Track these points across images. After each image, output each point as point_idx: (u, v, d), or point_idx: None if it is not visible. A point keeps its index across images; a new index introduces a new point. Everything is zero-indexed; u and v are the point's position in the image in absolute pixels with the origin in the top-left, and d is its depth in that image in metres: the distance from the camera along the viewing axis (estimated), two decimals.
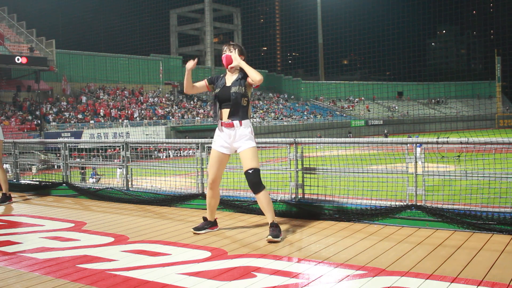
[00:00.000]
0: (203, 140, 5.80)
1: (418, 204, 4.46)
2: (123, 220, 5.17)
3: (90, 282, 3.17)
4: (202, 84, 4.53)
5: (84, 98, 41.76)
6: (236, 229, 4.57)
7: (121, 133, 36.19)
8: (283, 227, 4.43)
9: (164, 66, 52.33)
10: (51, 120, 36.32)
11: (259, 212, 5.01)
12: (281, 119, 52.33)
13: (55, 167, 8.66)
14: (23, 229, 4.95)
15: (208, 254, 3.76)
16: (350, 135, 47.56)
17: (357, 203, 4.78)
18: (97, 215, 5.52)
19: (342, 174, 4.95)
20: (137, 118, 41.16)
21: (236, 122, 4.26)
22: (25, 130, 32.81)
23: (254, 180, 4.21)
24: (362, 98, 65.51)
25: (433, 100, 69.45)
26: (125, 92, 46.20)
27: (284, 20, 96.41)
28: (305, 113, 57.21)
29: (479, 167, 4.33)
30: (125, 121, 39.37)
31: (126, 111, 41.63)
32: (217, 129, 4.41)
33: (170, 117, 43.51)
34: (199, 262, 3.56)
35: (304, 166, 5.12)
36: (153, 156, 10.97)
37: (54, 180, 7.29)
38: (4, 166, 6.90)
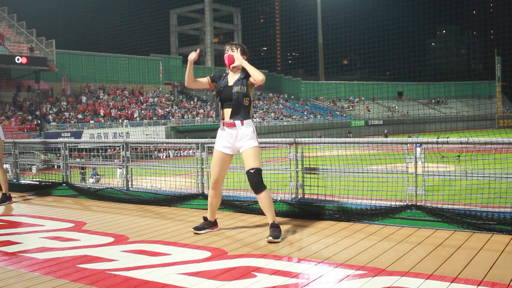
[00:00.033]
0: (203, 140, 5.80)
1: (418, 204, 4.46)
2: (123, 220, 5.17)
3: (90, 282, 3.17)
4: (205, 80, 4.50)
5: (84, 98, 41.76)
6: (236, 229, 4.57)
7: (121, 133, 36.19)
8: (283, 227, 4.43)
9: (164, 66, 52.33)
10: (51, 120, 36.32)
11: (259, 212, 5.01)
12: (281, 119, 52.33)
13: (55, 167, 8.66)
14: (23, 229, 4.95)
15: (208, 254, 3.76)
16: (350, 135, 47.56)
17: (357, 203, 4.78)
18: (97, 215, 5.52)
19: (342, 174, 4.95)
20: (137, 118, 41.15)
21: (237, 122, 4.26)
22: (25, 130, 32.81)
23: (256, 180, 4.20)
24: (362, 98, 65.51)
25: (433, 100, 69.45)
26: (125, 92, 46.20)
27: (284, 20, 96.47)
28: (305, 113, 57.22)
29: (479, 167, 4.33)
30: (125, 121, 39.37)
31: (126, 111, 41.62)
32: (219, 129, 4.41)
33: (170, 117, 43.51)
34: (199, 262, 3.56)
35: (306, 166, 5.12)
36: (153, 156, 10.97)
37: (54, 180, 7.29)
38: (4, 166, 6.90)
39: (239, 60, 4.33)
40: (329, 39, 65.96)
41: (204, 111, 48.08)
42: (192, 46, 65.21)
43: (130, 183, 6.45)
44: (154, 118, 42.24)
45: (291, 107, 57.95)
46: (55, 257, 3.76)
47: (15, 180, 7.68)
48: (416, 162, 4.52)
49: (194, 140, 5.94)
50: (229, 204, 5.33)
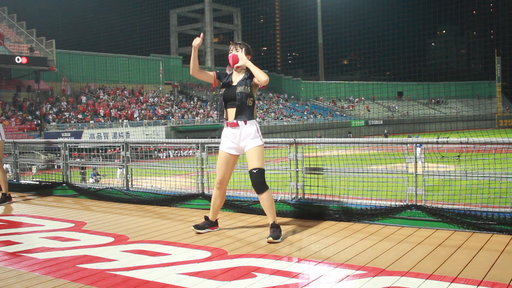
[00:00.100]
0: (203, 140, 5.80)
1: (418, 204, 4.46)
2: (123, 220, 5.17)
3: (90, 282, 3.17)
4: (210, 75, 4.45)
5: (84, 98, 41.76)
6: (236, 229, 4.57)
7: (121, 133, 36.18)
8: (283, 227, 4.42)
9: (164, 66, 52.31)
10: (51, 120, 36.32)
11: (259, 212, 5.02)
12: (281, 119, 52.33)
13: (55, 167, 8.66)
14: (23, 229, 4.95)
15: (208, 254, 3.76)
16: (350, 135, 47.55)
17: (357, 203, 4.78)
18: (97, 215, 5.52)
19: (342, 174, 4.95)
20: (137, 118, 41.14)
21: (241, 122, 4.24)
22: (25, 130, 32.81)
23: (258, 180, 4.19)
24: (362, 98, 65.50)
25: (433, 100, 69.45)
26: (125, 92, 46.20)
27: (284, 20, 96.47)
28: (305, 113, 57.21)
29: (479, 167, 4.34)
30: (125, 121, 39.37)
31: (126, 111, 41.62)
32: (223, 130, 4.40)
33: (170, 117, 43.50)
34: (199, 262, 3.56)
35: (309, 166, 5.12)
36: (153, 156, 10.97)
37: (54, 180, 7.29)
38: (4, 166, 6.90)
39: (243, 60, 4.32)
40: (329, 39, 66.01)
41: (204, 111, 48.08)
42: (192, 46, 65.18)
43: (130, 183, 6.46)
44: (154, 118, 42.24)
45: (291, 107, 57.95)
46: (55, 257, 3.76)
47: (15, 180, 7.68)
48: (416, 162, 4.52)
49: (194, 140, 5.94)
50: (229, 204, 5.33)
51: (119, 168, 6.96)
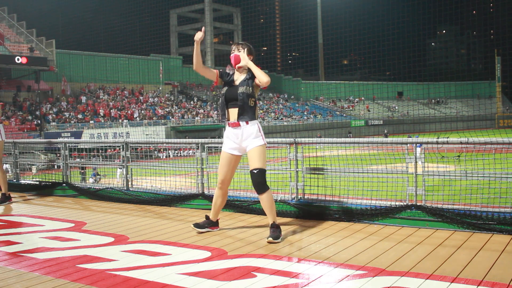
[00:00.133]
0: (203, 140, 5.80)
1: (418, 204, 4.46)
2: (123, 220, 5.17)
3: (90, 282, 3.17)
4: (213, 72, 4.42)
5: (84, 98, 41.76)
6: (236, 229, 4.57)
7: (121, 133, 36.18)
8: (283, 227, 4.42)
9: (164, 66, 52.32)
10: (51, 120, 36.32)
11: (259, 212, 5.02)
12: (281, 119, 52.32)
13: (55, 167, 8.67)
14: (23, 229, 4.95)
15: (208, 254, 3.76)
16: (350, 135, 47.55)
17: (357, 203, 4.78)
18: (97, 215, 5.52)
19: (342, 174, 4.95)
20: (137, 118, 41.14)
21: (242, 122, 4.24)
22: (25, 130, 32.80)
23: (258, 180, 4.19)
24: (362, 98, 65.49)
25: (433, 100, 69.44)
26: (125, 92, 46.20)
27: (284, 20, 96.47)
28: (305, 113, 57.21)
29: (479, 167, 4.33)
30: (125, 121, 39.37)
31: (126, 111, 41.63)
32: (225, 131, 4.39)
33: (170, 117, 43.50)
34: (199, 262, 3.56)
35: (310, 166, 5.12)
36: (153, 156, 10.97)
37: (54, 180, 7.29)
38: (4, 166, 6.90)
39: (245, 60, 4.31)
40: (329, 39, 65.99)
41: (204, 111, 48.07)
42: (192, 46, 65.07)
43: (130, 183, 6.46)
44: (154, 118, 42.23)
45: (291, 107, 57.94)
46: (55, 257, 3.76)
47: (15, 180, 7.68)
48: (416, 162, 4.52)
49: (194, 140, 5.94)
50: (229, 204, 5.33)
51: (119, 168, 6.96)
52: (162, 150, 24.84)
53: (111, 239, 4.33)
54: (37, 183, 7.42)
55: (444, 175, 4.43)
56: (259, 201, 4.58)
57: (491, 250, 3.62)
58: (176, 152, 25.73)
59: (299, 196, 5.11)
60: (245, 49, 4.36)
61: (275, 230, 4.13)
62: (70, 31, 68.36)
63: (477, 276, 3.06)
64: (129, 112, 41.69)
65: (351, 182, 4.93)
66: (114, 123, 38.77)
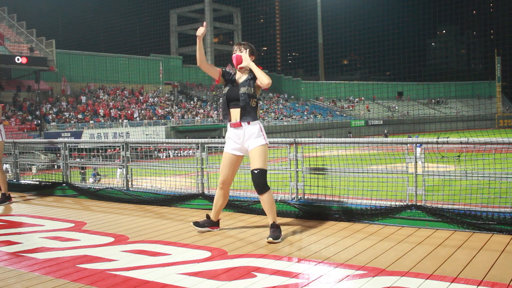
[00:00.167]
0: (203, 140, 5.80)
1: (418, 204, 4.46)
2: (123, 220, 5.17)
3: (90, 282, 3.17)
4: (217, 70, 4.40)
5: (84, 98, 41.76)
6: (236, 229, 4.57)
7: (121, 133, 36.18)
8: (283, 227, 4.42)
9: (164, 66, 52.33)
10: (51, 120, 36.33)
11: (259, 212, 5.02)
12: (281, 119, 52.32)
13: (55, 167, 8.67)
14: (23, 229, 4.95)
15: (208, 254, 3.76)
16: (350, 135, 47.55)
17: (357, 203, 4.78)
18: (97, 215, 5.52)
19: (342, 174, 4.95)
20: (137, 118, 41.14)
21: (244, 123, 4.23)
22: (25, 130, 32.80)
23: (259, 181, 4.18)
24: (362, 98, 65.50)
25: (433, 100, 69.45)
26: (125, 92, 46.20)
27: (284, 20, 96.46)
28: (305, 113, 57.21)
29: (479, 167, 4.33)
30: (125, 121, 39.37)
31: (126, 111, 41.63)
32: (227, 132, 4.39)
33: (170, 117, 43.51)
34: (199, 262, 3.56)
35: (309, 166, 5.12)
36: (153, 156, 10.97)
37: (54, 180, 7.29)
38: (4, 166, 6.90)
39: (247, 61, 4.30)
40: (329, 39, 66.00)
41: (204, 111, 48.07)
42: (192, 46, 65.20)
43: (130, 183, 6.46)
44: (154, 118, 42.24)
45: (291, 107, 57.94)
46: (55, 257, 3.76)
47: (15, 180, 7.68)
48: (416, 162, 4.52)
49: (194, 140, 5.94)
50: (229, 204, 5.32)
51: (119, 168, 6.96)
52: (162, 150, 24.84)
53: (111, 239, 4.33)
54: (37, 183, 7.42)
55: (444, 175, 4.43)
56: (259, 201, 4.58)
57: (491, 250, 3.62)
58: (176, 152, 25.73)
59: (299, 196, 5.11)
60: (247, 50, 4.35)
61: (275, 230, 4.12)
62: (70, 31, 68.38)
63: (477, 276, 3.06)
64: (129, 112, 41.70)
65: (351, 182, 4.93)
66: (114, 123, 38.78)
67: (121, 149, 6.47)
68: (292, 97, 62.44)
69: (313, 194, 5.06)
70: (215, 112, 47.36)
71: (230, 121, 4.31)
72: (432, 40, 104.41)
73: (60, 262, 3.62)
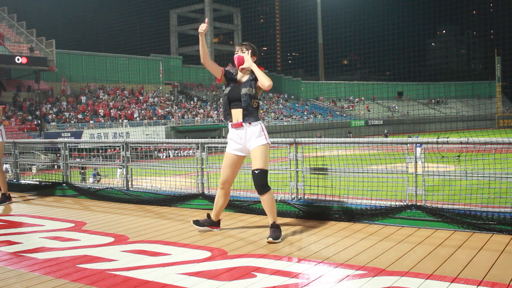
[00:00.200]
0: (203, 140, 5.80)
1: (418, 204, 4.46)
2: (123, 220, 5.17)
3: (90, 282, 3.17)
4: (220, 69, 4.37)
5: (84, 98, 41.76)
6: (236, 229, 4.57)
7: (121, 133, 36.18)
8: (283, 227, 4.42)
9: (164, 66, 52.33)
10: (51, 120, 36.32)
11: (259, 212, 5.02)
12: (281, 119, 52.32)
13: (55, 167, 8.67)
14: (23, 229, 4.95)
15: (208, 254, 3.76)
16: (350, 135, 47.55)
17: (357, 203, 4.78)
18: (97, 215, 5.52)
19: (342, 174, 4.95)
20: (137, 118, 41.15)
21: (245, 123, 4.23)
22: (25, 130, 32.81)
23: (259, 181, 4.17)
24: (362, 98, 65.50)
25: (433, 100, 69.44)
26: (125, 92, 46.21)
27: (284, 20, 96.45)
28: (305, 113, 57.21)
29: (479, 167, 4.33)
30: (125, 121, 39.37)
31: (126, 111, 41.63)
32: (229, 133, 4.39)
33: (170, 117, 43.51)
34: (199, 262, 3.56)
35: (309, 166, 5.12)
36: (153, 156, 10.97)
37: (54, 180, 7.29)
38: (4, 166, 6.90)
39: (249, 62, 4.29)
40: (329, 39, 65.99)
41: (204, 111, 48.07)
42: (192, 46, 65.29)
43: (130, 183, 6.46)
44: (154, 118, 42.24)
45: (291, 107, 57.94)
46: (55, 257, 3.76)
47: (15, 180, 7.68)
48: (416, 162, 4.52)
49: (194, 140, 5.94)
50: (229, 204, 5.31)
51: (119, 168, 6.96)
52: (162, 150, 24.84)
53: (111, 239, 4.33)
54: (37, 183, 7.42)
55: (444, 175, 4.43)
56: (259, 201, 4.57)
57: (491, 250, 3.62)
58: (176, 152, 25.73)
59: (299, 196, 5.11)
60: (249, 51, 4.34)
61: (275, 230, 4.12)
62: (70, 31, 68.38)
63: (477, 276, 3.06)
64: (129, 112, 41.70)
65: (351, 182, 4.93)
66: (114, 123, 38.78)
67: (121, 149, 6.47)
68: (292, 97, 62.44)
69: (313, 194, 5.06)
70: (215, 112, 47.35)
71: (231, 121, 4.31)
72: (432, 40, 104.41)
73: (60, 262, 3.62)
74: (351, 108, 63.27)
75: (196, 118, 45.12)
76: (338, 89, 62.40)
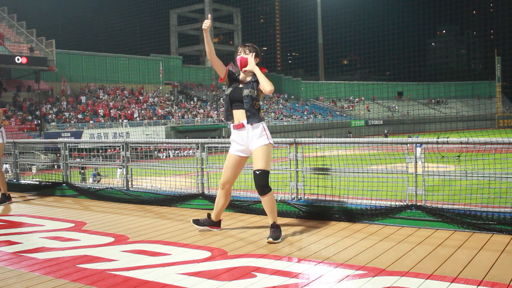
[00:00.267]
0: (203, 140, 5.80)
1: (418, 204, 4.46)
2: (123, 220, 5.17)
3: (90, 282, 3.17)
4: (224, 68, 4.34)
5: (84, 98, 41.76)
6: (236, 229, 4.57)
7: (121, 133, 36.18)
8: (283, 227, 4.42)
9: (164, 66, 52.32)
10: (50, 120, 36.32)
11: (259, 212, 5.02)
12: (281, 119, 52.32)
13: (55, 167, 8.68)
14: (23, 229, 4.95)
15: (208, 254, 3.76)
16: (350, 135, 47.55)
17: (357, 203, 4.78)
18: (97, 215, 5.52)
19: (342, 174, 4.95)
20: (137, 118, 41.14)
21: (247, 124, 4.22)
22: (25, 130, 32.81)
23: (260, 182, 4.16)
24: (362, 98, 65.49)
25: (433, 100, 69.44)
26: (125, 92, 46.20)
27: (284, 20, 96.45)
28: (305, 113, 57.21)
29: (479, 167, 4.33)
30: (125, 121, 39.37)
31: (126, 111, 41.62)
32: (231, 134, 4.38)
33: (170, 117, 43.51)
34: (199, 262, 3.56)
35: (309, 166, 5.12)
36: (153, 156, 10.97)
37: (54, 180, 7.29)
38: (4, 166, 6.90)
39: (251, 65, 4.27)
40: (329, 39, 65.99)
41: (204, 111, 48.06)
42: (192, 46, 65.34)
43: (130, 183, 6.46)
44: (154, 118, 42.24)
45: (291, 107, 57.94)
46: (55, 257, 3.76)
47: (15, 180, 7.68)
48: (416, 162, 4.52)
49: (194, 140, 5.94)
50: (229, 204, 5.30)
51: (119, 168, 6.95)
52: (162, 150, 24.85)
53: (111, 239, 4.33)
54: (37, 183, 7.42)
55: (444, 175, 4.43)
56: (259, 201, 4.57)
57: (491, 250, 3.62)
58: (176, 152, 25.73)
59: (299, 196, 5.11)
60: (253, 53, 4.32)
61: (275, 230, 4.12)
62: (70, 31, 68.38)
63: (477, 276, 3.06)
64: (129, 112, 41.70)
65: (351, 182, 4.93)
66: (114, 123, 38.78)
67: (121, 149, 6.47)
68: (292, 97, 62.44)
69: (313, 194, 5.06)
70: (215, 112, 47.35)
71: (233, 122, 4.30)
72: (432, 40, 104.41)
73: (60, 262, 3.62)
74: (351, 108, 63.27)
75: (196, 118, 45.11)
76: (338, 89, 62.41)
